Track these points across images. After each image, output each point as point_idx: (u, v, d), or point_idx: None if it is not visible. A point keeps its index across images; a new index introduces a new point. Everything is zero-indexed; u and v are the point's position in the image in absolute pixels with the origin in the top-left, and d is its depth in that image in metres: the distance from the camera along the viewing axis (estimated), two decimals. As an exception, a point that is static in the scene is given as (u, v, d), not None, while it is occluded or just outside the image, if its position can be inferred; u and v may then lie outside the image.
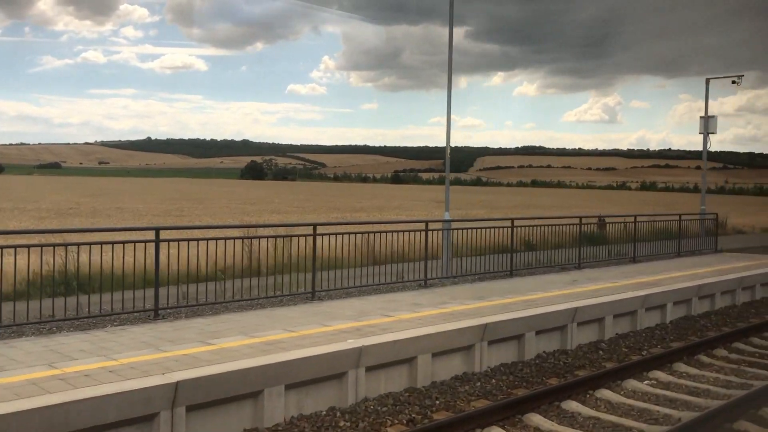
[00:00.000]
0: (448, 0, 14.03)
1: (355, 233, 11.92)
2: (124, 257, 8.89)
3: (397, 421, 6.96)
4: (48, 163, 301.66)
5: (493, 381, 8.59)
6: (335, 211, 44.74)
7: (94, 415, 5.61)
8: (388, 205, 54.21)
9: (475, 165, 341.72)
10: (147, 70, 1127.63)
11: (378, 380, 7.82)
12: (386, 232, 12.79)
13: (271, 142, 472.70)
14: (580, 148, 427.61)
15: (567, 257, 15.74)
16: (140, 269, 9.73)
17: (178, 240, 9.62)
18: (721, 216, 34.35)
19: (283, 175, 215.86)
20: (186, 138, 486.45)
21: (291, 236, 11.17)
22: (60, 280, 9.20)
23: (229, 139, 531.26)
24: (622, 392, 8.47)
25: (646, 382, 8.93)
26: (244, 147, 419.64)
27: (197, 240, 9.90)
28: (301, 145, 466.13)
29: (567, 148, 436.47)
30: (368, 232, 12.44)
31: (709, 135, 21.32)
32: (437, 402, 7.65)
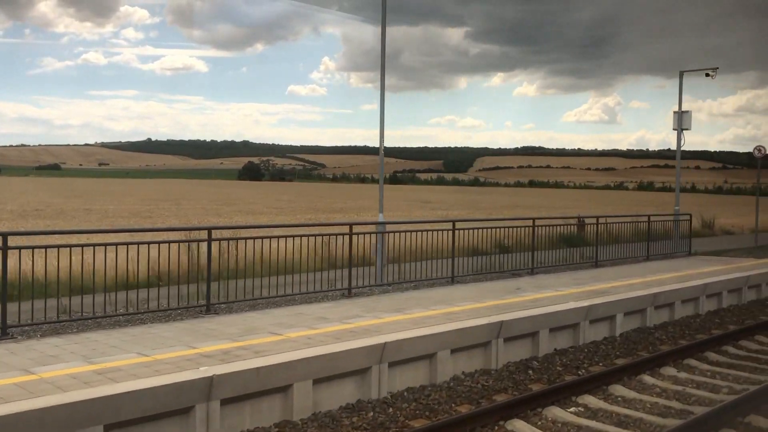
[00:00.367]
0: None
1: (261, 238, 10.65)
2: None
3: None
4: (48, 165, 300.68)
5: (391, 410, 7.39)
6: (315, 212, 43.52)
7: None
8: (373, 205, 52.92)
9: (475, 165, 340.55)
10: (147, 72, 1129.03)
11: (240, 414, 6.61)
12: (311, 235, 11.59)
13: (271, 142, 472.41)
14: (579, 149, 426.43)
15: (521, 262, 14.49)
16: None
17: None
18: (707, 216, 33.13)
19: (281, 175, 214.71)
20: (186, 139, 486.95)
21: (189, 241, 9.97)
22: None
23: (230, 140, 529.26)
24: (539, 422, 7.28)
25: (571, 409, 7.73)
26: (245, 148, 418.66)
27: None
28: (301, 145, 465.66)
29: (566, 148, 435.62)
30: (284, 236, 11.08)
31: (684, 131, 20.13)
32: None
